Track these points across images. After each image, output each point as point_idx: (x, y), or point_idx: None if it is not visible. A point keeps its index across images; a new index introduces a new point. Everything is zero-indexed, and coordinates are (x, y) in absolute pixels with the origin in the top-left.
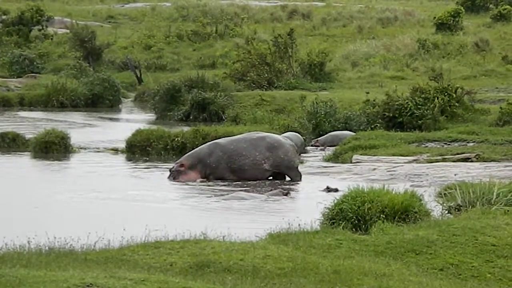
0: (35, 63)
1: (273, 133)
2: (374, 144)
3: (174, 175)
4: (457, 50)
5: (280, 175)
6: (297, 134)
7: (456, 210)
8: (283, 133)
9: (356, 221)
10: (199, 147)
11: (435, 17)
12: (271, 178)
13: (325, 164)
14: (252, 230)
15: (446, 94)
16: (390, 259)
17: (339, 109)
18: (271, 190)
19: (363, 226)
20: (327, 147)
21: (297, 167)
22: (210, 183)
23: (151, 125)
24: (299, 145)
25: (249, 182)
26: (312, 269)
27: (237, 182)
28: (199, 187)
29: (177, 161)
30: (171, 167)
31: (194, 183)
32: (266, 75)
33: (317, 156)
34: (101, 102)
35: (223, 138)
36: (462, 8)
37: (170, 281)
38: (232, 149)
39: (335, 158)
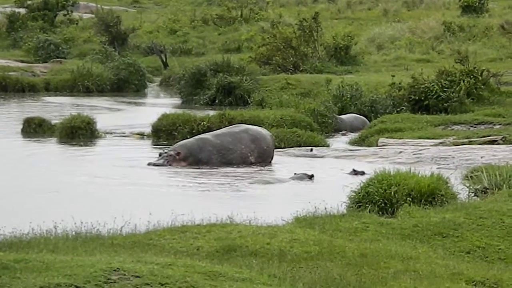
0: (60, 48)
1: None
2: (400, 127)
3: (168, 160)
4: (482, 33)
5: None
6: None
7: (483, 192)
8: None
9: (383, 204)
10: (188, 140)
11: (460, 0)
12: None
13: (351, 147)
14: (278, 214)
15: (472, 76)
16: (416, 242)
17: (365, 92)
18: (295, 173)
19: (390, 209)
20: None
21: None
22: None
23: (177, 110)
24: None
25: (274, 166)
26: (338, 253)
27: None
28: (223, 172)
29: (173, 147)
30: (165, 151)
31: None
32: (291, 58)
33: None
34: (126, 86)
35: (207, 133)
36: None
37: (197, 265)
38: (220, 143)
39: (361, 141)
